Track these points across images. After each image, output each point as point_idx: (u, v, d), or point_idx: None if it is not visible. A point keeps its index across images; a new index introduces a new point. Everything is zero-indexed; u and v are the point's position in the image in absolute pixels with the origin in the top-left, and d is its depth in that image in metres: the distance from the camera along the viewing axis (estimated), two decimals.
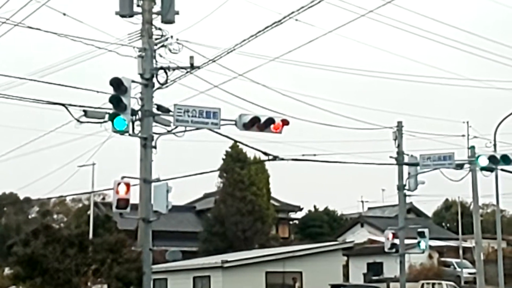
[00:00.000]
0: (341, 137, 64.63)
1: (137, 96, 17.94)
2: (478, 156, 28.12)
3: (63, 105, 17.62)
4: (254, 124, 18.07)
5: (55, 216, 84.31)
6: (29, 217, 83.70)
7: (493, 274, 39.49)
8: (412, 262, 47.91)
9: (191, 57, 18.54)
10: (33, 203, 79.06)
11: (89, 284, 24.25)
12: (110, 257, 23.75)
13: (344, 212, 77.65)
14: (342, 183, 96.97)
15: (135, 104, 17.65)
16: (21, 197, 74.70)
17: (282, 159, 22.82)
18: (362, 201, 75.83)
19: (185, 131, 17.91)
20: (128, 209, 17.02)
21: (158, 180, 17.94)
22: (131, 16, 21.95)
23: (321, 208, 75.38)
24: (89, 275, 24.11)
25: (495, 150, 32.77)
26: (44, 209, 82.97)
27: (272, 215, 58.23)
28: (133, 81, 17.50)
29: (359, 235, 62.23)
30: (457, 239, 56.03)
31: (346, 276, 49.98)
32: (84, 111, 17.68)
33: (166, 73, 18.40)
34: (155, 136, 18.10)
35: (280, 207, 64.31)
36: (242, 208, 53.98)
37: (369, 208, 75.81)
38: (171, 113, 17.68)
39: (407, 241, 30.65)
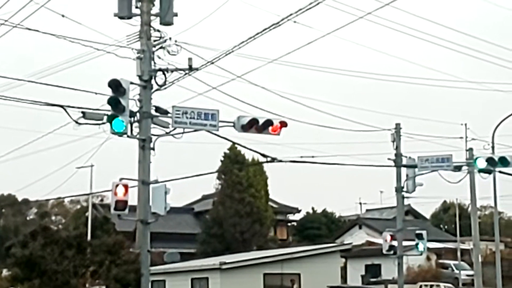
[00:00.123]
0: (339, 139, 64.60)
1: (135, 97, 17.96)
2: (476, 158, 28.13)
3: (61, 106, 17.62)
4: (253, 126, 18.09)
5: (53, 218, 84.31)
6: (27, 218, 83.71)
7: (491, 276, 39.50)
8: (410, 264, 47.90)
9: (190, 59, 18.56)
10: (31, 205, 79.01)
11: (87, 285, 24.24)
12: (108, 259, 23.73)
13: (342, 214, 77.70)
14: (340, 185, 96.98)
15: (133, 106, 17.67)
16: (19, 199, 74.65)
17: (280, 161, 22.84)
18: (360, 203, 75.94)
19: (183, 132, 17.92)
20: (127, 211, 17.02)
21: (156, 181, 17.95)
22: (129, 17, 21.96)
23: (319, 210, 75.40)
24: (87, 276, 24.10)
25: (493, 152, 32.76)
26: (42, 210, 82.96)
27: (270, 217, 58.25)
28: (131, 83, 17.52)
29: (357, 237, 62.26)
30: (455, 241, 56.09)
31: (344, 278, 49.96)
32: (82, 112, 17.69)
33: (165, 74, 18.42)
34: (154, 138, 18.12)
35: (278, 209, 64.33)
36: (240, 210, 54.01)
37: (367, 210, 75.86)
38: (169, 115, 17.69)
39: (405, 243, 30.64)
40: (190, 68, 18.70)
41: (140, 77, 18.25)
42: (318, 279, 38.13)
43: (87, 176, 48.95)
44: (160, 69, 18.42)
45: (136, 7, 22.09)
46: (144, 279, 18.04)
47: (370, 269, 51.79)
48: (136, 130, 17.85)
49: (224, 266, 37.14)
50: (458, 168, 28.50)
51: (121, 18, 21.91)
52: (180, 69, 18.74)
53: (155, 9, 21.79)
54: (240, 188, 54.63)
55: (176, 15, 21.36)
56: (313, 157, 24.75)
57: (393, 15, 24.91)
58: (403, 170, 29.66)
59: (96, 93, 18.38)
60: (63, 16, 21.21)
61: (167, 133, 18.22)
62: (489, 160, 27.20)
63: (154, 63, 18.50)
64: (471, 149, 33.29)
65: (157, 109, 18.32)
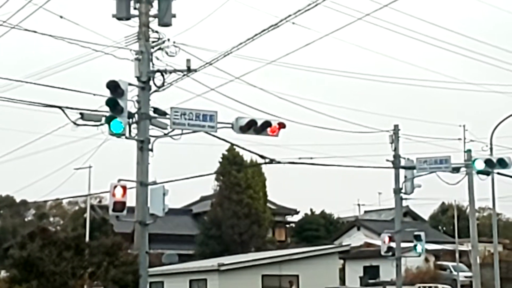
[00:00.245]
0: (337, 140, 64.60)
1: (134, 99, 17.96)
2: (475, 160, 28.13)
3: (59, 107, 17.62)
4: (251, 127, 18.10)
5: (51, 219, 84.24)
6: (26, 219, 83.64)
7: (489, 277, 39.49)
8: (409, 266, 47.91)
9: (188, 60, 18.57)
10: (29, 206, 78.95)
11: (85, 287, 24.19)
12: (106, 260, 23.65)
13: (341, 216, 77.63)
14: (338, 186, 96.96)
15: (131, 107, 17.68)
16: (18, 200, 74.61)
17: (279, 162, 22.82)
18: (359, 204, 75.88)
19: (182, 134, 17.94)
20: (125, 212, 17.04)
21: (154, 183, 17.96)
22: (128, 18, 21.92)
23: (317, 211, 75.33)
24: (85, 278, 24.03)
25: (491, 154, 32.76)
26: (41, 211, 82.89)
27: (269, 218, 58.22)
28: (130, 84, 17.52)
29: (355, 239, 62.24)
30: (454, 243, 56.01)
31: (342, 279, 49.94)
32: (80, 113, 17.69)
33: (163, 76, 18.43)
34: (152, 139, 18.13)
35: (276, 210, 64.30)
36: (238, 211, 54.00)
37: (366, 212, 75.83)
38: (167, 116, 17.71)
39: (403, 245, 30.66)
40: (189, 69, 18.71)
41: (138, 78, 18.25)
42: (317, 280, 38.12)
43: (85, 178, 48.82)
44: (158, 70, 18.43)
45: (135, 8, 22.05)
46: (142, 281, 18.05)
47: (368, 271, 51.79)
48: (134, 131, 17.86)
49: (222, 268, 37.13)
50: (456, 170, 28.50)
51: (119, 19, 21.87)
52: (179, 70, 18.75)
53: (154, 10, 21.75)
54: (239, 189, 54.62)
55: (174, 16, 21.34)
56: (311, 158, 24.74)
57: (391, 16, 24.90)
58: (402, 172, 29.69)
59: (94, 94, 18.37)
60: (61, 17, 21.18)
61: (165, 135, 18.23)
62: (488, 162, 27.21)
63: (153, 64, 18.51)
64: (469, 151, 33.29)
65: (156, 110, 18.33)
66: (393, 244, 29.48)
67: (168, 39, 19.22)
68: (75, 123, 17.66)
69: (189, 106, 18.22)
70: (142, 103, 18.02)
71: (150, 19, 21.73)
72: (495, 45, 34.25)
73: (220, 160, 56.49)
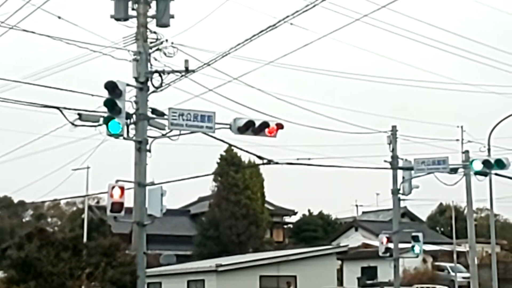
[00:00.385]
0: (335, 141, 64.81)
1: (132, 99, 17.94)
2: (472, 161, 28.11)
3: (57, 108, 17.60)
4: (249, 128, 18.10)
5: (49, 220, 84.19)
6: (23, 220, 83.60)
7: (487, 278, 39.53)
8: (406, 266, 47.93)
9: (186, 61, 18.56)
10: (27, 207, 78.91)
11: (83, 287, 24.19)
12: (104, 261, 23.66)
13: (339, 216, 77.63)
14: (336, 187, 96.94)
15: (129, 108, 17.66)
16: (15, 201, 74.57)
17: (277, 163, 22.80)
18: (357, 205, 75.90)
19: (179, 134, 17.92)
20: (123, 213, 17.01)
21: (152, 183, 17.94)
22: (126, 19, 21.97)
23: (315, 212, 75.33)
24: (83, 278, 24.03)
25: (489, 155, 32.80)
26: (38, 212, 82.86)
27: (267, 219, 58.20)
28: (128, 85, 17.50)
29: (353, 239, 62.24)
30: (451, 244, 56.00)
31: (340, 280, 49.98)
32: (78, 114, 17.67)
33: (161, 76, 18.41)
34: (150, 140, 18.11)
35: (274, 211, 64.28)
36: (236, 212, 53.98)
37: (364, 212, 75.82)
38: (165, 117, 17.69)
39: (401, 245, 30.66)
40: (187, 70, 18.70)
41: (136, 79, 18.23)
42: (314, 281, 38.13)
43: (83, 178, 48.81)
44: (156, 71, 18.41)
45: (133, 9, 22.10)
46: (140, 281, 18.02)
47: (366, 272, 51.79)
48: (132, 132, 17.84)
49: (220, 268, 37.12)
50: (454, 171, 28.50)
51: (117, 20, 21.93)
52: (177, 71, 18.73)
53: (152, 11, 21.82)
54: (236, 190, 54.60)
55: (172, 17, 21.39)
56: (309, 159, 24.73)
57: (389, 17, 24.94)
58: (400, 173, 29.68)
59: (92, 95, 18.35)
60: (59, 17, 21.20)
61: (163, 135, 18.21)
62: (485, 163, 27.20)
63: (151, 65, 18.49)
64: (467, 151, 33.32)
65: (154, 111, 18.31)
66: (391, 245, 29.48)
67: (166, 40, 19.24)
68: (73, 124, 17.65)
69: (187, 107, 18.21)
70: (140, 103, 18.00)
71: (148, 20, 21.80)
72: (493, 46, 34.33)
73: (218, 160, 56.46)
